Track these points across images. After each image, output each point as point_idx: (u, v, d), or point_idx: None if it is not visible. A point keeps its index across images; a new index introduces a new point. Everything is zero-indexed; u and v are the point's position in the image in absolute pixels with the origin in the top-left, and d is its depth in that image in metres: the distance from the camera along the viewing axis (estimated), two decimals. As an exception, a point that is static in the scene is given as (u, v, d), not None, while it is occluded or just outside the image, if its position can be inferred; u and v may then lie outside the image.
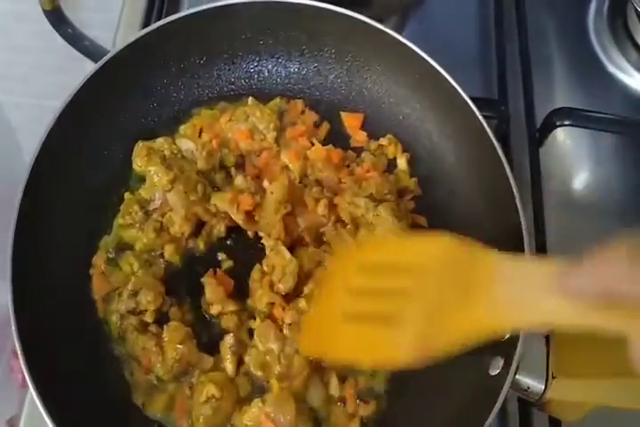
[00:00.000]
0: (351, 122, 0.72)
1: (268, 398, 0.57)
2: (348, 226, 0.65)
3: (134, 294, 0.62)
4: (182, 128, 0.70)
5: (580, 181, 0.82)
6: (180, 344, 0.59)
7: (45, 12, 0.84)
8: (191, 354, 0.60)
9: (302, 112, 0.73)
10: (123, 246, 0.66)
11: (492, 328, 0.39)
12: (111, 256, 0.65)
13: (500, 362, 0.54)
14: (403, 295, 0.43)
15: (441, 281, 0.42)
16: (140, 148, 0.67)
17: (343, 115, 0.73)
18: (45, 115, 0.63)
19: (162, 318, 0.62)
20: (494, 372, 0.54)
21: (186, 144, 0.68)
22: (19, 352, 0.54)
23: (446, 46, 0.85)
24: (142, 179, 0.68)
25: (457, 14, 0.90)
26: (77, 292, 0.63)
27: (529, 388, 0.53)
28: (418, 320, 0.42)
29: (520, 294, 0.37)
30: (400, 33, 0.68)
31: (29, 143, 0.77)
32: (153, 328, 0.61)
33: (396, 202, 0.66)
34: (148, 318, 0.61)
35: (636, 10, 0.84)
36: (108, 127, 0.68)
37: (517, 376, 0.53)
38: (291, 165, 0.68)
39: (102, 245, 0.66)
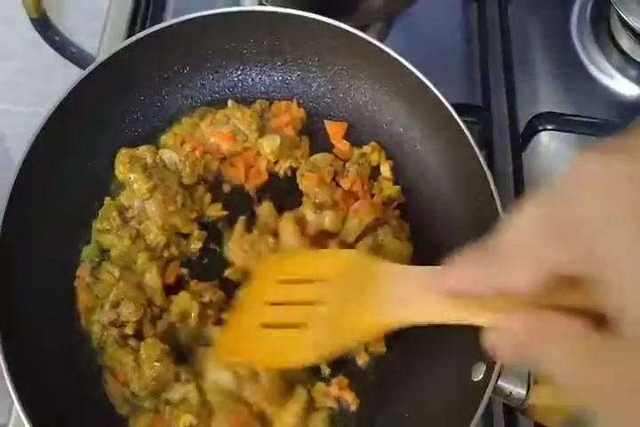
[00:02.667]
0: (334, 130, 0.73)
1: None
2: None
3: (116, 305, 0.61)
4: (163, 138, 0.71)
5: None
6: (157, 362, 0.59)
7: (32, 19, 0.84)
8: (168, 372, 0.60)
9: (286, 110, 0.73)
10: (103, 256, 0.66)
11: (382, 326, 0.46)
12: (94, 267, 0.65)
13: (483, 368, 0.54)
14: (308, 305, 0.51)
15: (338, 289, 0.50)
16: (122, 154, 0.67)
17: (327, 123, 0.73)
18: (31, 121, 0.63)
19: (142, 333, 0.62)
20: (477, 378, 0.55)
21: (169, 155, 0.68)
22: (3, 368, 0.54)
23: (430, 53, 0.85)
24: (123, 185, 0.68)
25: (441, 21, 0.90)
26: (63, 304, 0.63)
27: (511, 393, 0.54)
28: (318, 325, 0.50)
29: (403, 295, 0.44)
30: (383, 40, 0.69)
31: (15, 149, 0.78)
32: (132, 342, 0.61)
33: (390, 222, 0.67)
34: (129, 330, 0.61)
35: (619, 13, 0.85)
36: (93, 137, 0.68)
37: (499, 382, 0.53)
38: (271, 157, 0.69)
39: (85, 255, 0.66)
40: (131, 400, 0.61)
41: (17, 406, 0.53)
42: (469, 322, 0.38)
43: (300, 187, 0.69)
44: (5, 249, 0.59)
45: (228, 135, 0.69)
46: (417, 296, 0.42)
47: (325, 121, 0.74)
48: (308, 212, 0.65)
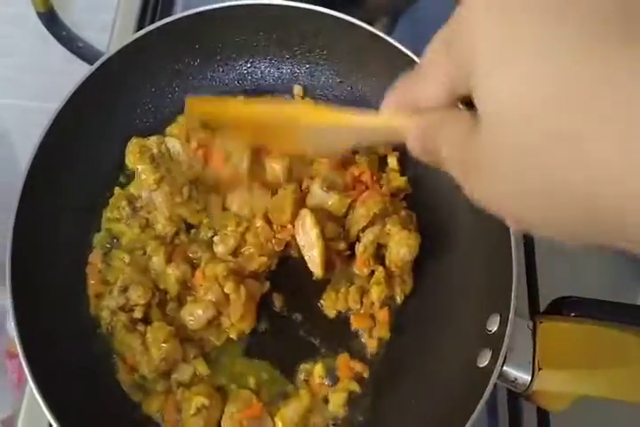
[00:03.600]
0: None
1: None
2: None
3: (124, 289, 0.62)
4: (169, 129, 0.71)
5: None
6: (165, 343, 0.60)
7: (39, 13, 0.85)
8: (176, 351, 0.61)
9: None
10: (113, 243, 0.67)
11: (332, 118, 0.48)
12: (105, 253, 0.66)
13: (488, 354, 0.56)
14: None
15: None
16: (132, 144, 0.68)
17: None
18: (37, 116, 0.63)
19: (150, 317, 0.63)
20: (482, 364, 0.56)
21: (173, 145, 0.69)
22: (19, 351, 0.55)
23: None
24: (133, 175, 0.69)
25: (446, 16, 0.91)
26: (75, 290, 0.65)
27: (516, 379, 0.55)
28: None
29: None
30: (390, 34, 0.70)
31: (20, 144, 0.79)
32: (141, 327, 0.62)
33: (397, 212, 0.67)
34: (138, 313, 0.62)
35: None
36: (104, 129, 0.69)
37: (505, 368, 0.54)
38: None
39: (96, 242, 0.67)
40: (141, 384, 0.62)
41: (35, 391, 0.54)
42: (393, 128, 0.40)
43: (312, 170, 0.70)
44: (21, 237, 0.60)
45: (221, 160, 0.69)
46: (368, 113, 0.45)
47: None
48: (314, 187, 0.66)
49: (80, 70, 0.66)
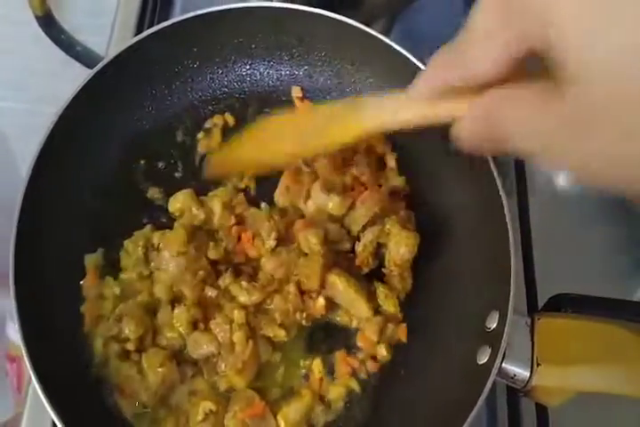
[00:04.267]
0: None
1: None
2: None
3: (119, 319, 0.61)
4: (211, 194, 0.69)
5: (565, 176, 0.85)
6: (161, 367, 0.59)
7: (37, 17, 0.85)
8: (172, 374, 0.60)
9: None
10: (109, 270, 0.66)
11: (360, 128, 0.49)
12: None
13: (488, 351, 0.56)
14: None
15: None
16: (184, 196, 0.68)
17: None
18: (37, 120, 0.64)
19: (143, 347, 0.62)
20: (482, 361, 0.56)
21: (215, 208, 0.67)
22: (24, 354, 0.55)
23: (433, 47, 0.86)
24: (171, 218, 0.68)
25: (443, 16, 0.92)
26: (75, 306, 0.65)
27: (515, 375, 0.56)
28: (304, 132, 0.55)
29: (378, 105, 0.47)
30: (388, 35, 0.70)
31: (18, 147, 0.79)
32: (135, 356, 0.61)
33: (396, 212, 0.68)
34: (130, 346, 0.61)
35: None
36: (104, 132, 0.70)
37: (504, 364, 0.55)
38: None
39: (88, 263, 0.66)
40: (144, 413, 0.61)
41: (39, 392, 0.54)
42: (441, 116, 0.39)
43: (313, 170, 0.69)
44: (23, 241, 0.60)
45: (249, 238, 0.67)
46: (391, 102, 0.45)
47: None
48: (315, 189, 0.66)
49: (79, 74, 0.67)
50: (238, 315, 0.62)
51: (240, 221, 0.67)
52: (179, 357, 0.62)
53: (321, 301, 0.63)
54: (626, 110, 0.27)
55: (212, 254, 0.64)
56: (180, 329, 0.61)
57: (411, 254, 0.64)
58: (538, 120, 0.30)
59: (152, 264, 0.65)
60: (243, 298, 0.63)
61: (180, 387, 0.61)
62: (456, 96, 0.37)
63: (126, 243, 0.66)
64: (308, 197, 0.68)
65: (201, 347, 0.61)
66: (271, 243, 0.65)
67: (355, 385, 0.64)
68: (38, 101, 0.65)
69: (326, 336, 0.66)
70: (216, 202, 0.67)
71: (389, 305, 0.65)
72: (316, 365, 0.64)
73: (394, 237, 0.65)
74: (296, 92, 0.76)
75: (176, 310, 0.62)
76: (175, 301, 0.63)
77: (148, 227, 0.67)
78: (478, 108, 0.34)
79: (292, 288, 0.63)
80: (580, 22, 0.28)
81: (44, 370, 0.56)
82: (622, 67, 0.26)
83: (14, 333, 0.57)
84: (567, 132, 0.29)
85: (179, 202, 0.68)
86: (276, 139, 0.58)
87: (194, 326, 0.62)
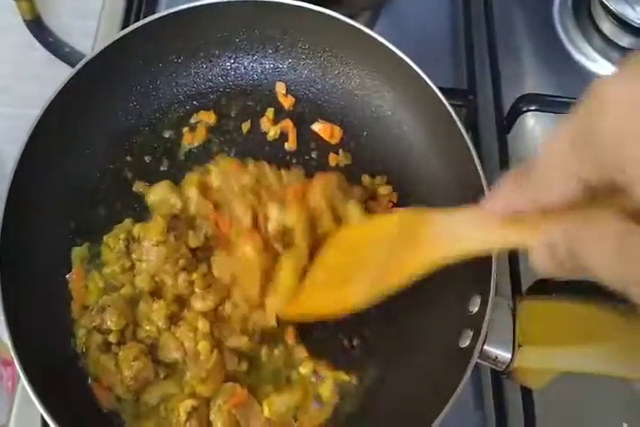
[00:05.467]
0: (325, 132, 0.75)
1: None
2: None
3: (101, 310, 0.61)
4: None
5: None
6: (135, 361, 0.59)
7: (25, 21, 0.86)
8: (146, 369, 0.60)
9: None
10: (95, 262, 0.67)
11: (435, 259, 0.48)
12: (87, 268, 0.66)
13: (470, 334, 0.57)
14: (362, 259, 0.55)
15: (392, 242, 0.53)
16: (162, 188, 0.68)
17: (318, 126, 0.75)
18: (25, 123, 0.64)
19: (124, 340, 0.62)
20: (464, 344, 0.57)
21: (192, 196, 0.68)
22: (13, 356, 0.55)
23: (417, 39, 0.88)
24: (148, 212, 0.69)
25: (427, 7, 0.93)
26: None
27: (497, 357, 0.56)
28: (373, 268, 0.53)
29: (450, 230, 0.47)
30: (372, 28, 0.71)
31: (7, 151, 0.79)
32: (115, 349, 0.61)
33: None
34: (112, 338, 0.61)
35: (599, -2, 0.88)
36: (89, 128, 0.70)
37: (485, 347, 0.56)
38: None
39: (74, 257, 0.67)
40: (118, 407, 0.61)
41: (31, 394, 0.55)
42: (516, 242, 0.39)
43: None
44: (8, 240, 0.60)
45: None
46: (464, 227, 0.44)
47: (316, 124, 0.75)
48: (273, 212, 0.66)
49: (66, 75, 0.67)
50: (203, 324, 0.62)
51: (217, 206, 0.68)
52: (154, 355, 0.62)
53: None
54: None
55: (193, 242, 0.65)
56: (159, 323, 0.62)
57: None
58: (619, 246, 0.31)
59: (133, 256, 0.65)
60: (199, 304, 0.63)
61: (153, 388, 0.61)
62: (526, 222, 0.37)
63: (106, 238, 0.67)
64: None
65: (170, 352, 0.62)
66: (248, 221, 0.65)
67: (343, 376, 0.64)
68: (26, 104, 0.66)
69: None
70: (192, 189, 0.68)
71: None
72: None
73: (354, 219, 0.65)
74: (280, 88, 0.76)
75: (155, 304, 0.62)
76: (155, 294, 0.64)
77: (128, 220, 0.68)
78: (557, 237, 0.34)
79: (237, 294, 0.63)
80: None
81: (31, 366, 0.56)
82: None
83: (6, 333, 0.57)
84: None
85: (156, 194, 0.68)
86: (345, 280, 0.56)
87: (170, 320, 0.62)
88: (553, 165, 0.34)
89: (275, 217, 0.65)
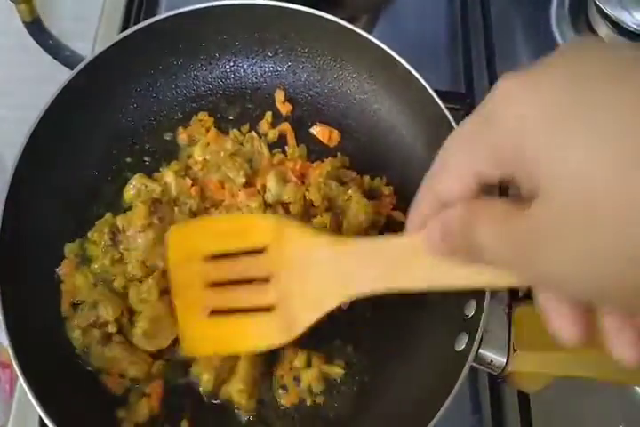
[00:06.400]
0: (323, 136, 0.76)
1: None
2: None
3: (94, 305, 0.62)
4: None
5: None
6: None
7: (25, 23, 0.86)
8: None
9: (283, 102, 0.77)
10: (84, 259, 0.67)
11: (347, 298, 0.46)
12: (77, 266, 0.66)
13: (465, 338, 0.57)
14: (257, 285, 0.51)
15: (283, 261, 0.49)
16: (136, 180, 0.69)
17: (316, 129, 0.76)
18: (27, 126, 0.64)
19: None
20: (460, 348, 0.58)
21: (170, 180, 0.69)
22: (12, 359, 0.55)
23: (415, 43, 0.88)
24: (128, 204, 0.69)
25: (425, 12, 0.93)
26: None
27: (492, 361, 0.57)
28: (280, 304, 0.50)
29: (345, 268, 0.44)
30: (370, 32, 0.72)
31: (8, 155, 0.79)
32: (117, 338, 0.62)
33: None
34: (112, 328, 0.61)
35: (596, 3, 0.88)
36: (89, 128, 0.71)
37: (481, 351, 0.56)
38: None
39: (68, 252, 0.67)
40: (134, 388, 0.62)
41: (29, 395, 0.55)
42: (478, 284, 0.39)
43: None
44: (6, 241, 0.61)
45: (216, 184, 0.70)
46: (409, 262, 0.41)
47: (314, 127, 0.76)
48: (271, 182, 0.68)
49: (67, 77, 0.67)
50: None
51: (195, 182, 0.69)
52: None
53: None
54: (585, 229, 0.28)
55: (180, 218, 0.66)
56: (152, 298, 0.62)
57: (367, 223, 0.66)
58: (506, 230, 0.31)
59: (121, 247, 0.66)
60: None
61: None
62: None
63: (90, 234, 0.67)
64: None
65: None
66: (241, 180, 0.68)
67: (335, 375, 0.64)
68: (27, 108, 0.66)
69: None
70: (168, 174, 0.69)
71: None
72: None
73: (354, 204, 0.66)
74: (279, 95, 0.77)
75: (143, 286, 0.63)
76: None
77: (109, 214, 0.68)
78: (446, 221, 0.35)
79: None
80: (543, 141, 0.29)
81: (30, 368, 0.56)
82: (588, 183, 0.27)
83: (4, 336, 0.57)
84: (532, 245, 0.30)
85: (132, 189, 0.69)
86: (247, 333, 0.52)
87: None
88: (450, 162, 0.35)
89: (273, 188, 0.67)
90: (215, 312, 0.54)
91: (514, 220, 0.31)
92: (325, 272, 0.46)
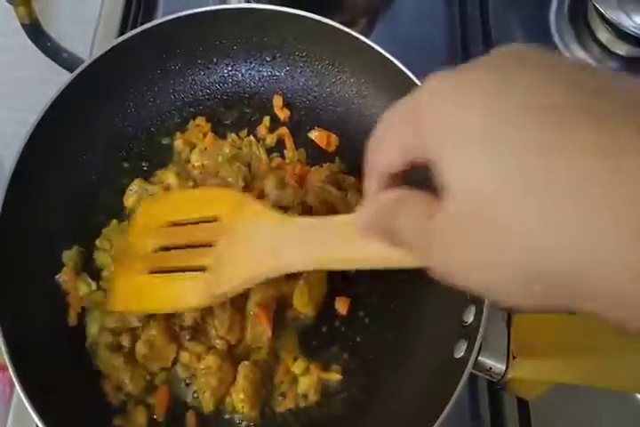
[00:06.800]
0: (321, 140, 0.75)
1: None
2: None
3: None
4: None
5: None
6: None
7: (23, 25, 0.86)
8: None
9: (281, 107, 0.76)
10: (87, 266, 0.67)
11: (274, 270, 0.47)
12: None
13: (464, 345, 0.57)
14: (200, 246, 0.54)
15: (232, 229, 0.52)
16: (136, 185, 0.69)
17: (314, 134, 0.75)
18: (26, 129, 0.64)
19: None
20: (459, 355, 0.57)
21: (171, 182, 0.70)
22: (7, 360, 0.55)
23: (413, 47, 0.88)
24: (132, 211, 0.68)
25: (423, 16, 0.93)
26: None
27: (491, 368, 0.56)
28: (215, 266, 0.52)
29: (310, 239, 0.45)
30: (368, 35, 0.71)
31: (7, 156, 0.79)
32: (125, 348, 0.62)
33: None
34: (124, 340, 0.62)
35: (596, 7, 0.88)
36: (87, 133, 0.71)
37: (480, 357, 0.56)
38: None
39: (66, 259, 0.67)
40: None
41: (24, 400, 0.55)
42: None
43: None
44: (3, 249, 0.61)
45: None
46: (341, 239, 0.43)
47: (313, 132, 0.75)
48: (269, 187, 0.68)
49: (65, 80, 0.67)
50: None
51: (195, 184, 0.69)
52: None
53: None
54: (476, 239, 0.30)
55: None
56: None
57: None
58: (420, 223, 0.34)
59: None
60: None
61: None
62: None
63: (98, 242, 0.67)
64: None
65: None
66: (240, 184, 0.68)
67: (334, 380, 0.64)
68: (27, 110, 0.66)
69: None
70: (169, 176, 0.69)
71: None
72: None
73: (353, 209, 0.65)
74: (277, 101, 0.76)
75: None
76: None
77: (115, 221, 0.68)
78: (375, 207, 0.37)
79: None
80: (444, 141, 0.32)
81: (26, 372, 0.56)
82: (478, 197, 0.29)
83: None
84: (443, 238, 0.32)
85: (133, 194, 0.69)
86: (177, 291, 0.55)
87: None
88: (387, 137, 0.37)
89: (271, 193, 0.67)
90: (154, 273, 0.57)
91: (429, 213, 0.33)
92: (262, 243, 0.48)
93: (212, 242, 0.54)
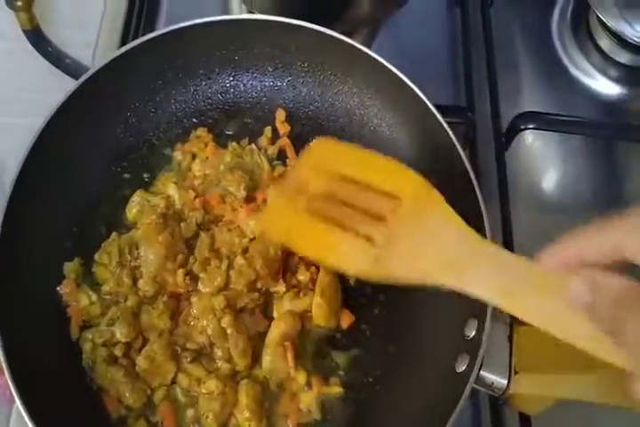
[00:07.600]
0: None
1: None
2: None
3: (111, 324, 0.62)
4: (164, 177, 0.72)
5: (548, 182, 0.86)
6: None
7: (25, 31, 0.86)
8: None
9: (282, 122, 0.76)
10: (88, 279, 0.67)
11: (452, 283, 0.45)
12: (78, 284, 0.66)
13: (466, 359, 0.57)
14: (379, 218, 0.49)
15: (413, 219, 0.49)
16: (138, 196, 0.69)
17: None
18: (28, 134, 0.64)
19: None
20: (460, 369, 0.57)
21: (172, 193, 0.70)
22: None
23: (415, 57, 0.88)
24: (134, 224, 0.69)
25: (425, 26, 0.93)
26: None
27: (493, 383, 0.56)
28: (385, 247, 0.48)
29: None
30: (370, 45, 0.71)
31: (10, 162, 0.78)
32: (123, 361, 0.62)
33: None
34: (118, 351, 0.62)
35: (598, 15, 0.88)
36: (89, 143, 0.71)
37: (482, 372, 0.56)
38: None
39: (67, 271, 0.67)
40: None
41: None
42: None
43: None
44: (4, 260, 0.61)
45: (217, 198, 0.70)
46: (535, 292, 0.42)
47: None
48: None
49: (68, 87, 0.67)
50: (218, 301, 0.62)
51: (197, 194, 0.70)
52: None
53: None
54: None
55: (187, 232, 0.67)
56: (162, 325, 0.63)
57: None
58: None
59: (132, 264, 0.66)
60: (207, 286, 0.64)
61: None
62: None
63: (97, 256, 0.67)
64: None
65: (194, 338, 0.63)
66: (242, 193, 0.68)
67: (335, 393, 0.64)
68: (29, 115, 0.66)
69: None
70: (170, 185, 0.70)
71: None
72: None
73: None
74: (279, 115, 0.76)
75: (154, 312, 0.63)
76: (154, 297, 0.65)
77: (114, 234, 0.68)
78: (612, 290, 0.37)
79: (240, 260, 0.65)
80: None
81: (24, 381, 0.56)
82: None
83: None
84: None
85: (135, 206, 0.69)
86: (342, 248, 0.50)
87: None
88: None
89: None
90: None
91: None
92: (444, 251, 0.45)
93: (382, 217, 0.49)
